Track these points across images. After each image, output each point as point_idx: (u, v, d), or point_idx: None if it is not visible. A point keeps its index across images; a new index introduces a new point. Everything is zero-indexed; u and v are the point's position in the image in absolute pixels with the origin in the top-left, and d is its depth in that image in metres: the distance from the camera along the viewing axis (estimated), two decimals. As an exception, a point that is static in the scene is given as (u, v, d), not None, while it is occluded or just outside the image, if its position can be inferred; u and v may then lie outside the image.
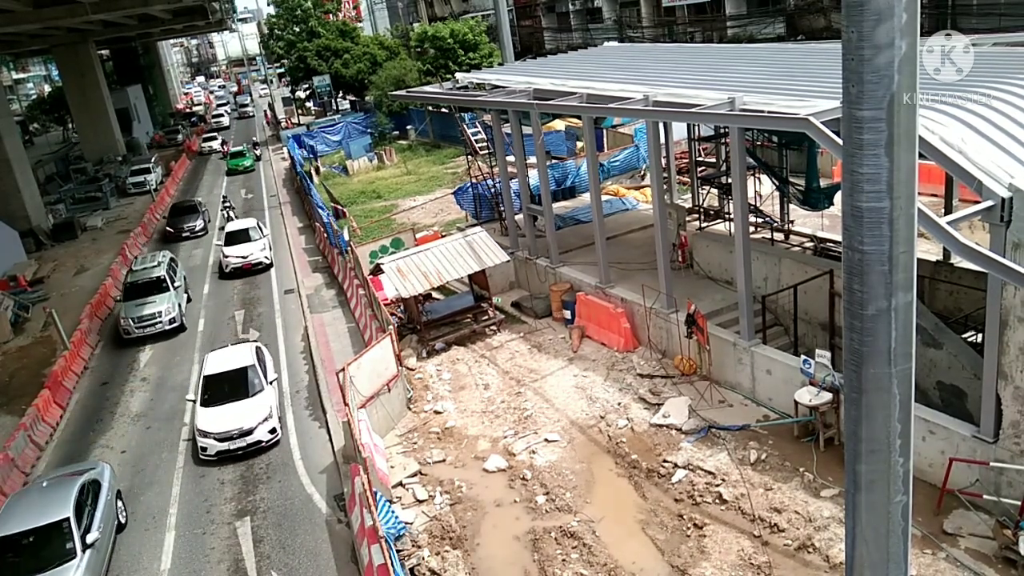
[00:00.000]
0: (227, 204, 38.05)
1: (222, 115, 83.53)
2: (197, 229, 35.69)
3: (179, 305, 24.00)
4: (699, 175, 21.66)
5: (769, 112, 12.39)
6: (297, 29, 66.32)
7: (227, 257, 28.41)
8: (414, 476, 14.59)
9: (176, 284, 24.73)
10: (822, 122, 10.72)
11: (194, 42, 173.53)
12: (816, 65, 16.23)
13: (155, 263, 25.63)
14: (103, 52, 73.93)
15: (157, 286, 24.19)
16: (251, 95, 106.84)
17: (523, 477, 14.02)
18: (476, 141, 34.86)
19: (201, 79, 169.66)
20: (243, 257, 28.20)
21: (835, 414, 13.22)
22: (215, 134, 67.29)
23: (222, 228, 32.44)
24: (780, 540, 11.51)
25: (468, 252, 19.74)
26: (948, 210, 15.44)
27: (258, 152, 55.68)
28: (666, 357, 17.04)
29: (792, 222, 19.96)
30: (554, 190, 24.77)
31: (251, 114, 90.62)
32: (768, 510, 12.04)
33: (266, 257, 28.56)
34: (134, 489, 15.72)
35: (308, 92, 69.77)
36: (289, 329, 22.80)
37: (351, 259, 23.10)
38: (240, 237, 29.21)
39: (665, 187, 20.64)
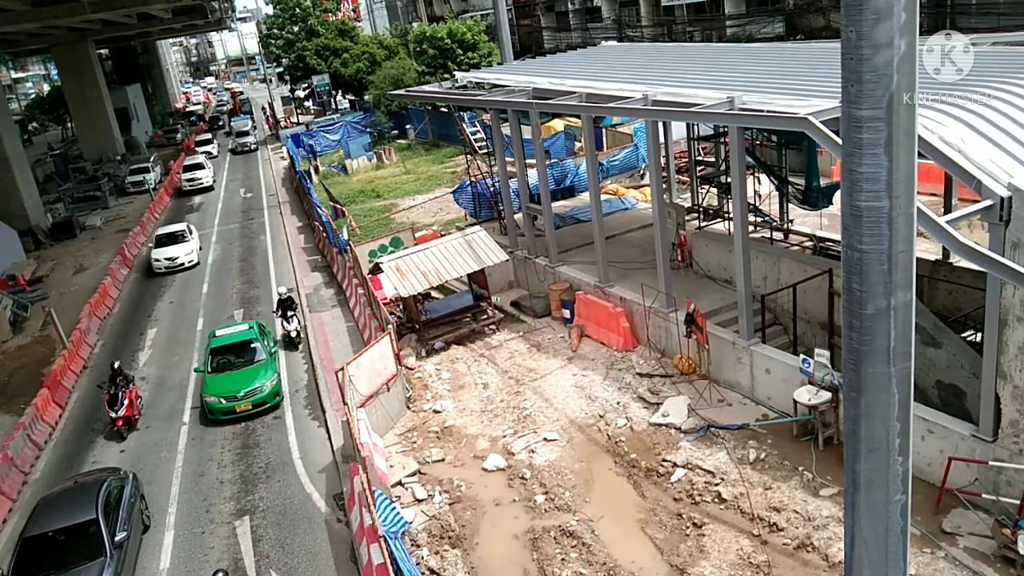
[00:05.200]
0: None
1: (201, 164, 46.01)
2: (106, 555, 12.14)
3: None
4: (698, 174, 21.68)
5: (769, 111, 12.40)
6: (296, 28, 66.30)
7: None
8: (413, 475, 14.59)
9: None
10: (821, 121, 10.73)
11: (193, 41, 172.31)
12: (815, 65, 16.22)
13: None
14: (102, 51, 73.85)
15: None
16: (253, 116, 72.59)
17: (522, 476, 14.02)
18: (475, 140, 34.90)
19: (210, 80, 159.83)
20: None
21: (834, 413, 13.23)
22: (182, 227, 31.91)
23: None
24: (779, 539, 11.52)
25: (467, 251, 19.73)
26: (947, 209, 15.44)
27: (295, 328, 21.09)
28: (665, 356, 17.05)
29: (791, 221, 19.99)
30: (553, 189, 24.77)
31: (253, 147, 56.50)
32: (767, 509, 12.05)
33: None
34: (133, 488, 15.69)
35: (307, 91, 69.69)
36: (288, 328, 22.68)
37: (350, 258, 23.09)
38: None
39: (664, 186, 20.64)
